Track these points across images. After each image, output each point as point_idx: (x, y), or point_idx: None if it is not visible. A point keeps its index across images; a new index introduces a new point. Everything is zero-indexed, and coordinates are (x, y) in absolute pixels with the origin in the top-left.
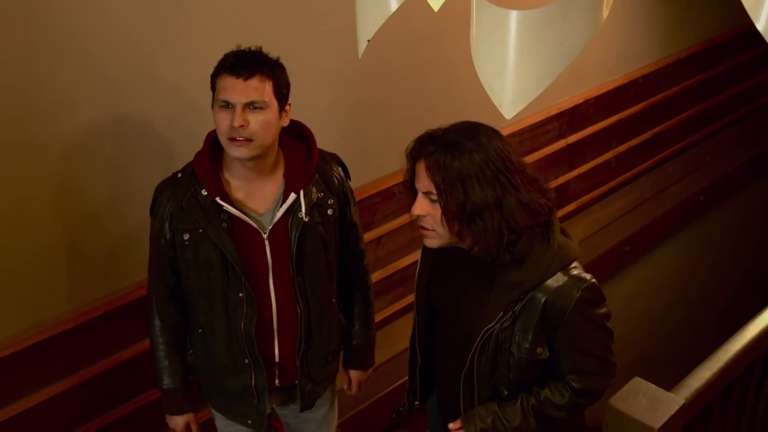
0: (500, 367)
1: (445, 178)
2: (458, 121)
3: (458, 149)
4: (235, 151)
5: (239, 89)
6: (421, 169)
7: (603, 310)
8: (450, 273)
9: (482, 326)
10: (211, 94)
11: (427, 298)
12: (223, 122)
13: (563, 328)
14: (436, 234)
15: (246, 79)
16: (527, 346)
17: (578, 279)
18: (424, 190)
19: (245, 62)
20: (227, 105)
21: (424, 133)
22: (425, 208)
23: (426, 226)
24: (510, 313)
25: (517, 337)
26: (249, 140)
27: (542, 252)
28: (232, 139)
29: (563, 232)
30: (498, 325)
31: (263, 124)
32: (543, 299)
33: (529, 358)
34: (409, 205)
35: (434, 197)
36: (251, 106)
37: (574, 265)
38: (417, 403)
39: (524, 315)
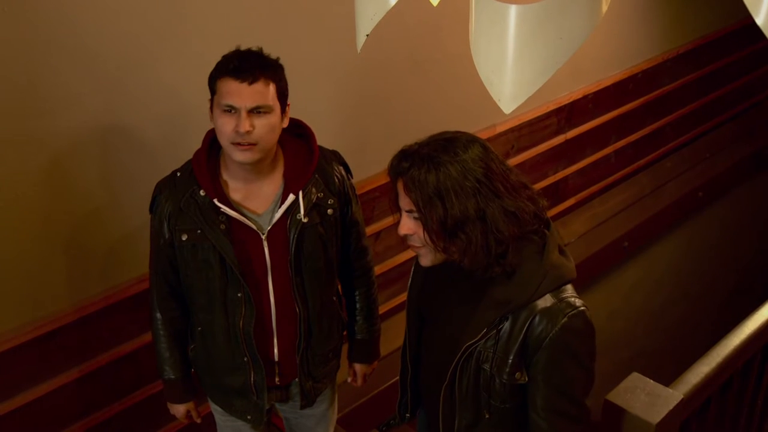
0: (481, 390)
1: (422, 194)
2: (437, 133)
3: (433, 163)
4: (239, 156)
5: (244, 94)
6: (400, 188)
7: (588, 345)
8: (440, 287)
9: (464, 342)
10: (208, 93)
11: (418, 309)
12: (227, 126)
13: (541, 354)
14: (428, 251)
15: (251, 83)
16: (507, 369)
17: (567, 304)
18: (407, 209)
19: (248, 65)
20: (231, 109)
21: (399, 151)
22: (410, 227)
23: (415, 244)
24: (494, 331)
25: (498, 359)
26: (253, 144)
27: (534, 269)
28: (237, 144)
29: (562, 251)
30: (481, 342)
31: (268, 128)
32: (528, 320)
33: (510, 382)
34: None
35: (416, 215)
36: (256, 110)
37: (567, 287)
38: (408, 415)
39: (507, 335)
